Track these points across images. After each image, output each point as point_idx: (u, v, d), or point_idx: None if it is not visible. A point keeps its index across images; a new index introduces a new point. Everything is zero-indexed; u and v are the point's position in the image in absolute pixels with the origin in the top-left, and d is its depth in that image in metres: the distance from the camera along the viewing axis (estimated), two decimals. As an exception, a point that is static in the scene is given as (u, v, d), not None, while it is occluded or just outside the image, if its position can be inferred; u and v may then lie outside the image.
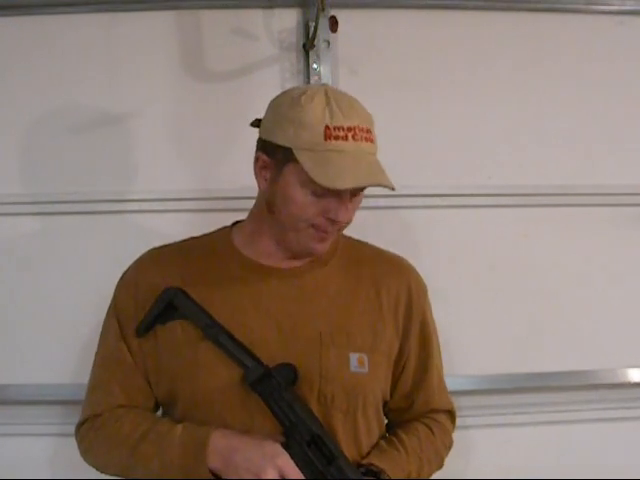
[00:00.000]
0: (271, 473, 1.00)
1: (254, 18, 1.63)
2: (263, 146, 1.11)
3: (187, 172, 1.62)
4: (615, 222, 1.70)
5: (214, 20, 1.62)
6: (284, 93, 1.12)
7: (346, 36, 1.61)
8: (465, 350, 1.61)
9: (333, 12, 1.54)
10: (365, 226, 1.59)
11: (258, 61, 1.63)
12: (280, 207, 1.09)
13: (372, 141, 1.07)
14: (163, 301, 1.13)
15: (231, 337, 1.09)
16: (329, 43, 1.61)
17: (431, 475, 1.21)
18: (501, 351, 1.65)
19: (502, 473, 1.59)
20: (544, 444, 1.67)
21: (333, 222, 1.08)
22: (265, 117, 1.12)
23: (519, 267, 1.67)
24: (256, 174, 1.13)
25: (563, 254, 1.68)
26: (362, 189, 1.09)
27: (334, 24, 1.48)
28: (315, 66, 1.61)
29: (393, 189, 1.06)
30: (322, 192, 1.05)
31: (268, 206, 1.12)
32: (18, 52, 1.59)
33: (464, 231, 1.67)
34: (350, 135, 1.04)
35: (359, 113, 1.08)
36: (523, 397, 1.66)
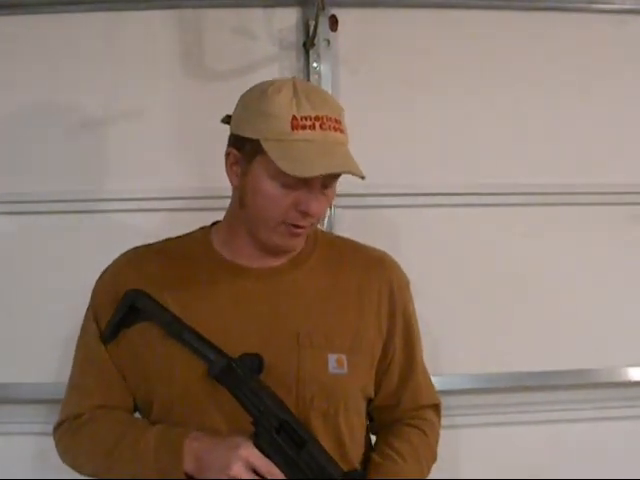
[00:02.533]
0: (237, 466, 0.98)
1: (254, 17, 1.63)
2: (233, 141, 1.09)
3: (187, 170, 1.62)
4: (614, 221, 1.70)
5: (214, 19, 1.62)
6: (253, 87, 1.11)
7: (346, 35, 1.61)
8: (465, 349, 1.62)
9: (333, 11, 1.54)
10: (365, 225, 1.61)
11: (258, 60, 1.63)
12: (251, 201, 1.08)
13: (341, 131, 1.05)
14: (125, 304, 1.11)
15: (194, 332, 1.08)
16: (329, 42, 1.61)
17: (429, 473, 1.20)
18: (501, 350, 1.65)
19: (501, 472, 1.59)
20: (543, 443, 1.67)
21: (305, 215, 1.05)
22: (234, 112, 1.11)
23: (518, 266, 1.67)
24: (227, 170, 1.11)
25: (562, 253, 1.68)
26: (333, 180, 1.07)
27: (334, 23, 1.48)
28: (315, 65, 1.61)
29: (362, 177, 1.04)
30: (292, 183, 1.03)
31: (240, 201, 1.11)
32: (18, 51, 1.60)
33: (463, 230, 1.67)
34: (318, 124, 1.02)
35: (328, 103, 1.06)
36: (522, 396, 1.67)
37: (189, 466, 1.02)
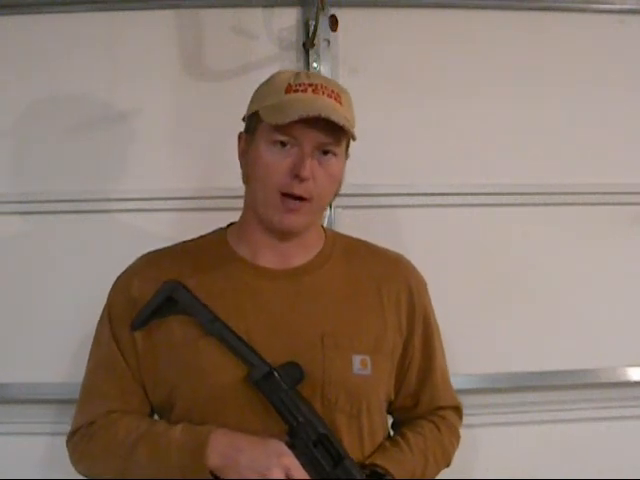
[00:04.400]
0: (277, 473, 0.98)
1: (254, 17, 1.63)
2: (245, 126, 1.14)
3: (186, 171, 1.62)
4: (614, 221, 1.70)
5: (214, 19, 1.62)
6: None
7: (346, 35, 1.61)
8: (465, 349, 1.61)
9: (333, 11, 1.54)
10: (365, 225, 1.61)
11: (258, 60, 1.62)
12: (251, 173, 1.10)
13: (338, 101, 1.08)
14: (162, 294, 1.10)
15: (234, 333, 1.07)
16: (329, 42, 1.61)
17: (438, 472, 1.19)
18: (501, 350, 1.65)
19: (501, 472, 1.59)
20: (544, 443, 1.67)
21: (299, 180, 1.04)
22: None
23: (519, 266, 1.67)
24: (239, 155, 1.14)
25: (563, 253, 1.68)
26: (330, 145, 1.06)
27: (334, 23, 1.48)
28: (315, 65, 1.61)
29: (353, 137, 1.07)
30: (284, 140, 1.05)
31: (244, 178, 1.13)
32: (18, 51, 1.60)
33: (463, 230, 1.67)
34: (310, 89, 1.06)
35: (326, 80, 1.10)
36: (522, 396, 1.67)
37: (214, 462, 1.00)
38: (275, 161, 1.06)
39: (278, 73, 1.12)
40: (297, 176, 1.04)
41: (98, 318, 1.17)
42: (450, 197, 1.66)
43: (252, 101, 1.13)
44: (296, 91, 1.06)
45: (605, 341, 1.67)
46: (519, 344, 1.65)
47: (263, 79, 1.58)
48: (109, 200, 1.60)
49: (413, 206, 1.66)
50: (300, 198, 1.06)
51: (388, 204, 1.65)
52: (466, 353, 1.62)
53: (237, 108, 1.58)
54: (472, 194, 1.67)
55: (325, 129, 1.04)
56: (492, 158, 1.68)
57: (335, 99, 1.07)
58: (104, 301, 1.17)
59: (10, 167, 1.60)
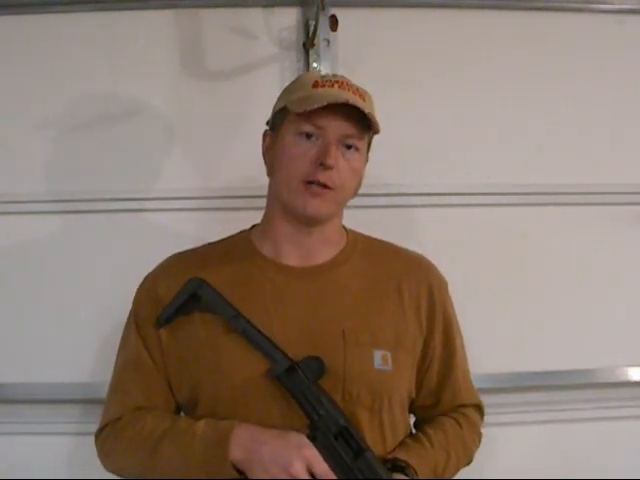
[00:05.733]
0: (298, 465, 1.00)
1: (254, 17, 1.63)
2: (270, 125, 1.17)
3: (186, 171, 1.62)
4: (614, 221, 1.70)
5: (214, 19, 1.62)
6: None
7: (346, 35, 1.61)
8: (466, 349, 1.61)
9: (333, 11, 1.54)
10: (365, 225, 1.61)
11: (258, 60, 1.63)
12: (277, 164, 1.12)
13: (362, 99, 1.11)
14: (187, 291, 1.12)
15: (256, 329, 1.09)
16: (329, 42, 1.61)
17: (459, 469, 1.20)
18: (502, 350, 1.64)
19: (502, 472, 1.59)
20: (543, 443, 1.67)
21: (324, 168, 1.07)
22: None
23: (518, 266, 1.67)
24: (264, 154, 1.17)
25: (562, 253, 1.68)
26: (353, 139, 1.10)
27: (334, 23, 1.49)
28: (315, 65, 1.61)
29: (376, 130, 1.11)
30: (309, 131, 1.08)
31: (269, 172, 1.16)
32: (17, 51, 1.60)
33: (463, 230, 1.67)
34: (337, 85, 1.11)
35: (351, 82, 1.13)
36: (522, 396, 1.66)
37: (237, 455, 1.01)
38: (301, 152, 1.09)
39: (305, 73, 1.17)
40: (322, 164, 1.07)
41: (117, 319, 1.20)
42: (449, 197, 1.67)
43: (279, 99, 1.17)
44: (323, 86, 1.11)
45: (604, 341, 1.67)
46: (520, 344, 1.65)
47: (263, 79, 1.62)
48: (108, 200, 1.59)
49: (411, 206, 1.66)
50: (324, 186, 1.09)
51: (386, 204, 1.65)
52: (467, 353, 1.62)
53: (237, 108, 1.60)
54: (471, 194, 1.67)
55: (349, 121, 1.08)
56: (491, 158, 1.68)
57: (360, 97, 1.11)
58: (121, 303, 1.19)
59: (13, 167, 1.60)
